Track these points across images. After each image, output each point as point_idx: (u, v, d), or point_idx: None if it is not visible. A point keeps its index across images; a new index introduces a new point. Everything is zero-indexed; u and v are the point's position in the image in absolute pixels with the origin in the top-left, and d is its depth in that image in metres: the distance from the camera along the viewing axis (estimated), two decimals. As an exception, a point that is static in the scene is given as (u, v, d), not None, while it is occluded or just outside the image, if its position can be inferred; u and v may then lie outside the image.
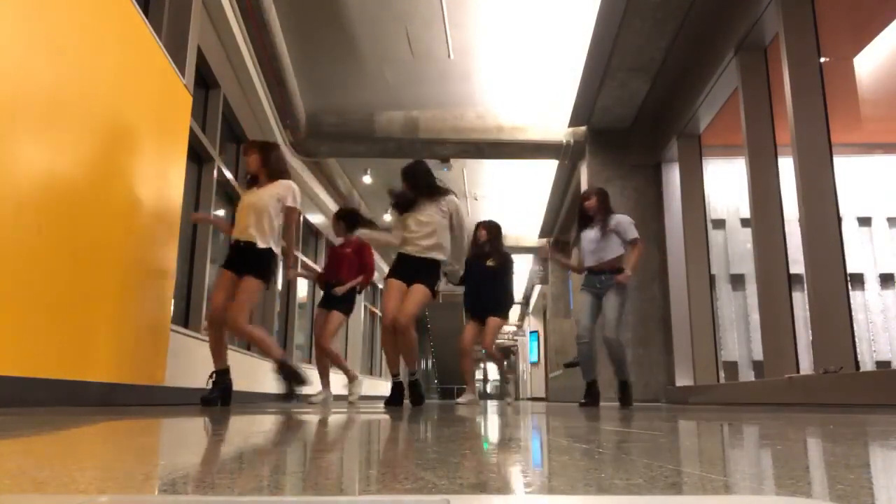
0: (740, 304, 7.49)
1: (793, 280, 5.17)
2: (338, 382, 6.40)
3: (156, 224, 4.28)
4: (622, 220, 5.27)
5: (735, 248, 7.59)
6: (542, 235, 13.80)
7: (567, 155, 8.69)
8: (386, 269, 5.24)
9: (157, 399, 4.22)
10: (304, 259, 10.30)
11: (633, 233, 5.20)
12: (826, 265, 4.34)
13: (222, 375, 4.30)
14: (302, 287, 10.30)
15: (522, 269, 17.55)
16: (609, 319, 5.07)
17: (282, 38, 6.74)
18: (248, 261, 4.24)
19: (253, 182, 4.48)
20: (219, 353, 4.32)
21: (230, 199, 7.10)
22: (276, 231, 4.35)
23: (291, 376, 4.33)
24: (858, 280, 7.51)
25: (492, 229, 5.86)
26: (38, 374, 2.86)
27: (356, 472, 0.88)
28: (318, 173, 9.89)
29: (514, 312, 24.85)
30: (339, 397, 6.65)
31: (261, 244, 4.25)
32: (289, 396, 4.39)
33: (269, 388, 7.73)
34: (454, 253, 4.77)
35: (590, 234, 5.31)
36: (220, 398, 4.24)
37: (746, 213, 5.81)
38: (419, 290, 4.49)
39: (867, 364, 7.06)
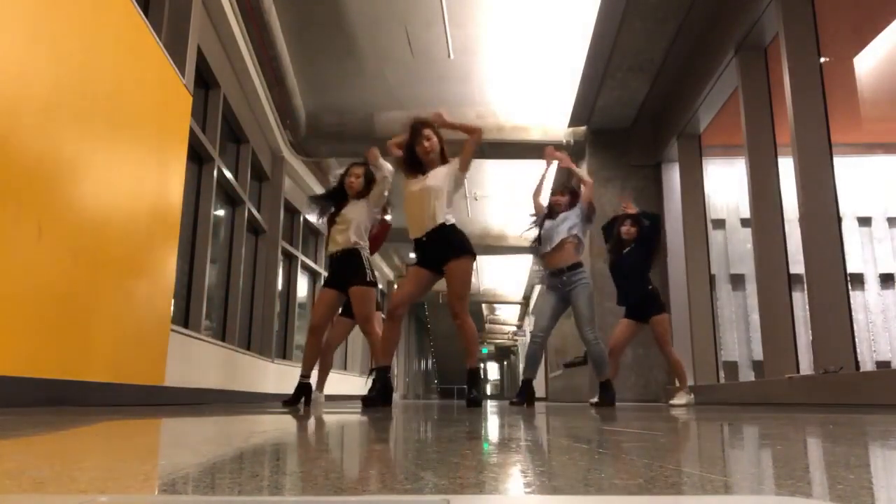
0: (740, 304, 7.49)
1: (793, 280, 5.17)
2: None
3: (156, 224, 4.28)
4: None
5: (735, 248, 7.59)
6: (542, 235, 13.77)
7: (567, 155, 8.69)
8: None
9: (157, 399, 4.22)
10: (305, 259, 10.30)
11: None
12: (826, 265, 4.34)
13: (383, 373, 4.12)
14: (302, 287, 10.29)
15: (522, 269, 17.56)
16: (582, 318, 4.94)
17: (282, 38, 6.74)
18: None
19: (416, 167, 4.18)
20: (389, 351, 4.18)
21: (231, 199, 7.10)
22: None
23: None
24: (858, 280, 7.51)
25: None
26: (38, 374, 2.86)
27: (356, 471, 0.88)
28: (318, 173, 9.89)
29: (514, 312, 24.86)
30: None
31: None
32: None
33: (269, 388, 7.75)
34: None
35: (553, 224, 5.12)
36: (380, 398, 4.06)
37: (746, 213, 5.81)
38: None
39: (867, 364, 7.05)
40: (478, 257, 4.40)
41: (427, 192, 4.07)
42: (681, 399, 5.47)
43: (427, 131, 4.17)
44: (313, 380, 4.83)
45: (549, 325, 5.13)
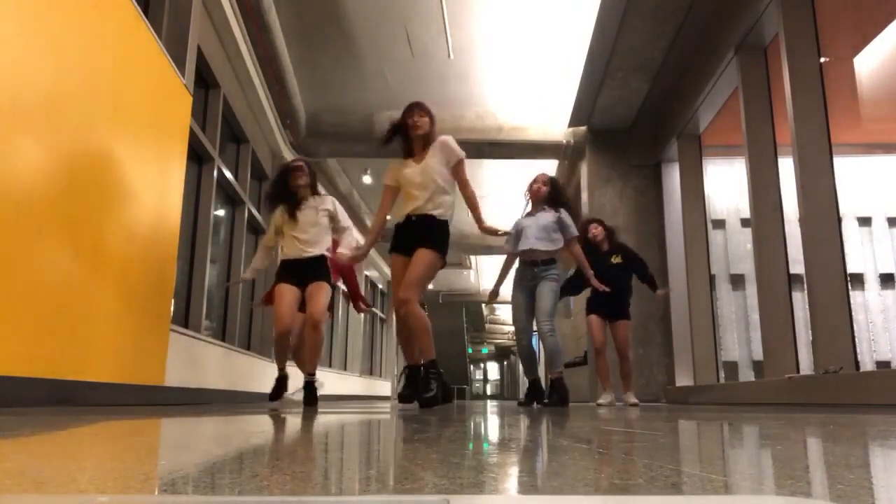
0: (740, 304, 7.50)
1: (793, 280, 5.17)
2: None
3: (156, 224, 4.28)
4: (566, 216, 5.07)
5: (735, 248, 7.59)
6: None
7: (567, 155, 8.69)
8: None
9: (157, 399, 4.22)
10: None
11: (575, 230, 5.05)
12: (826, 265, 4.34)
13: (415, 372, 3.91)
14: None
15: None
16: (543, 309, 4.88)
17: (282, 38, 6.73)
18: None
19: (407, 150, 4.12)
20: (410, 350, 3.99)
21: (231, 199, 7.10)
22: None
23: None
24: (858, 280, 7.51)
25: (605, 226, 5.79)
26: (38, 374, 2.86)
27: (356, 471, 0.88)
28: (318, 173, 9.87)
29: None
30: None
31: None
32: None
33: (269, 388, 7.74)
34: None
35: (538, 221, 5.06)
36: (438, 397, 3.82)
37: (746, 213, 5.81)
38: None
39: (867, 364, 7.06)
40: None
41: (429, 169, 3.98)
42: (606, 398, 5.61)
43: (419, 111, 4.08)
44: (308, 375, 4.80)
45: (529, 323, 5.09)
